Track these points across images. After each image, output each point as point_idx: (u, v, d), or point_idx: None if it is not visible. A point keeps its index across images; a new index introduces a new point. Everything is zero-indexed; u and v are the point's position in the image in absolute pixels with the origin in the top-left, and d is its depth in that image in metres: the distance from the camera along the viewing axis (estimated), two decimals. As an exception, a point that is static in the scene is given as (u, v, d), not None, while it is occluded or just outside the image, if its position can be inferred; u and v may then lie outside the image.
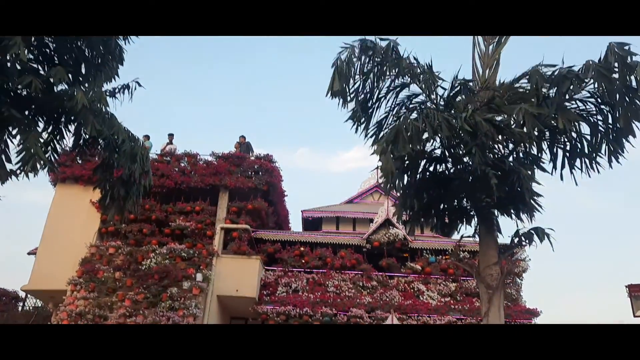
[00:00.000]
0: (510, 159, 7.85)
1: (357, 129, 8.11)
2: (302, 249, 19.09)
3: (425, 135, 6.90)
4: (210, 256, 16.84)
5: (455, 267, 18.57)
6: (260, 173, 19.06)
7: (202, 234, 17.55)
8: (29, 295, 18.34)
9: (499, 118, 7.45)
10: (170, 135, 20.42)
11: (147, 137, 18.68)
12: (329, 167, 74.68)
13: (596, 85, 6.90)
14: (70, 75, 8.95)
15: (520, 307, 17.60)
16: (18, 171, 8.29)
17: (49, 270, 16.20)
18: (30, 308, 18.29)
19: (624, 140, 7.38)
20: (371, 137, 8.22)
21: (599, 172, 7.68)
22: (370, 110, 8.18)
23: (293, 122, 79.48)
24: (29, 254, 18.68)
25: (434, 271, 18.75)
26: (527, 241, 7.61)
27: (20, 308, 18.26)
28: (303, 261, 18.87)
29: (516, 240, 7.80)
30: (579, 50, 22.83)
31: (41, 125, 9.50)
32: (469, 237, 8.23)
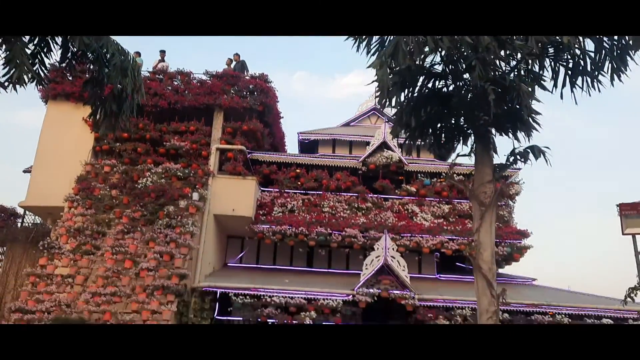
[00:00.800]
0: (512, 76, 7.66)
1: (358, 46, 7.81)
2: (298, 170, 19.16)
3: (426, 49, 6.66)
4: (206, 176, 16.90)
5: (449, 190, 18.78)
6: (255, 93, 18.71)
7: (197, 154, 17.50)
8: (27, 212, 18.56)
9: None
10: (162, 52, 19.82)
11: (137, 53, 18.12)
12: (327, 92, 73.54)
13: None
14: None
15: (511, 229, 17.99)
16: (6, 83, 8.07)
17: (45, 187, 16.29)
18: (29, 224, 18.57)
19: (627, 57, 7.21)
20: (373, 54, 7.94)
21: (599, 90, 7.54)
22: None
23: (291, 44, 77.20)
24: (24, 171, 18.70)
25: (429, 194, 18.96)
26: (522, 159, 7.60)
27: (19, 224, 18.53)
28: (299, 183, 19.01)
29: (512, 158, 7.77)
30: None
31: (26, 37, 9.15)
32: (465, 155, 8.21)
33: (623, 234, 7.78)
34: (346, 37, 7.71)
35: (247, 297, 15.50)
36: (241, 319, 15.64)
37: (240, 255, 19.45)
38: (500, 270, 18.88)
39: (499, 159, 8.19)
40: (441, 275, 18.82)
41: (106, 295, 13.31)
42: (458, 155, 8.27)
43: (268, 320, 15.31)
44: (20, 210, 18.54)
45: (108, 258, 14.36)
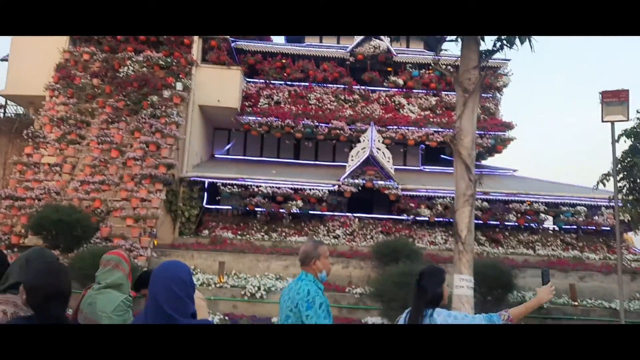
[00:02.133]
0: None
1: None
2: (283, 61, 18.71)
3: None
4: (189, 65, 16.46)
5: (437, 81, 18.57)
6: (238, -24, 17.68)
7: (179, 42, 16.90)
8: (8, 103, 18.21)
9: None
10: None
11: None
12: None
13: None
14: None
15: (496, 121, 18.11)
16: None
17: (24, 75, 15.83)
18: (12, 115, 18.30)
19: None
20: None
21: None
22: None
23: None
24: (1, 60, 18.05)
25: (416, 86, 18.78)
26: (508, 45, 7.44)
27: (2, 115, 18.25)
28: (285, 74, 18.65)
29: (498, 44, 7.61)
30: None
31: None
32: (452, 40, 8.01)
33: (602, 121, 7.87)
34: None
35: (235, 187, 15.83)
36: (230, 207, 16.11)
37: (227, 147, 19.56)
38: (483, 162, 19.30)
39: (486, 45, 8.03)
40: (425, 167, 19.22)
41: (95, 184, 13.50)
42: (445, 40, 8.07)
43: (256, 209, 15.79)
44: (2, 101, 18.17)
45: (94, 147, 14.36)
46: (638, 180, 7.92)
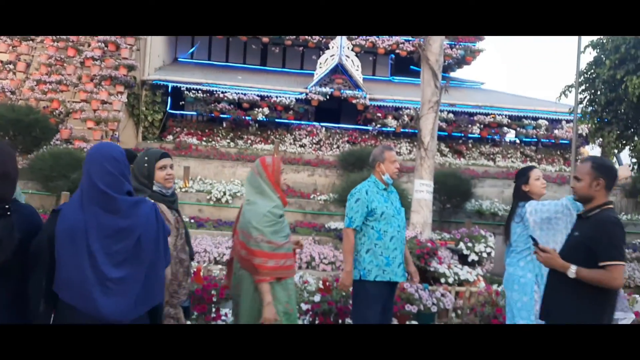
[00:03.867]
0: None
1: None
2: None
3: None
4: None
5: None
6: None
7: None
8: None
9: None
10: None
11: None
12: None
13: None
14: None
15: (467, 32, 17.83)
16: None
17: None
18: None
19: None
20: None
21: None
22: None
23: None
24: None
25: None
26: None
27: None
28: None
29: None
30: None
31: None
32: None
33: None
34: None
35: (200, 92, 15.43)
36: (195, 113, 15.81)
37: (191, 50, 18.82)
38: (452, 74, 19.25)
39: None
40: (395, 78, 19.06)
41: (52, 84, 12.92)
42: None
43: (221, 116, 15.55)
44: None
45: (49, 45, 13.59)
46: (598, 92, 8.07)
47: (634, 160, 7.86)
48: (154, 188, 2.71)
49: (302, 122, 16.03)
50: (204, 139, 15.48)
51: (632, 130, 7.67)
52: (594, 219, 2.58)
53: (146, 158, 2.73)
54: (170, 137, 15.40)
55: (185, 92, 15.40)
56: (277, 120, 15.75)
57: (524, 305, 3.46)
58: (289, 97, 15.69)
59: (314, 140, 15.85)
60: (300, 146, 15.68)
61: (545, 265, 2.65)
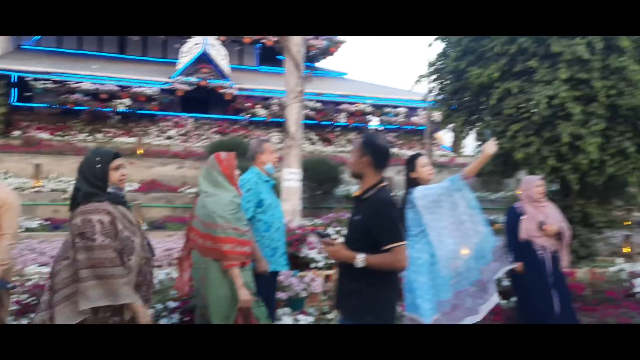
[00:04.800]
0: None
1: None
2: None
3: None
4: None
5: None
6: None
7: None
8: None
9: None
10: None
11: None
12: None
13: None
14: None
15: (330, 23, 18.37)
16: None
17: None
18: None
19: None
20: None
21: None
22: None
23: None
24: None
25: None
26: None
27: None
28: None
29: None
30: None
31: None
32: None
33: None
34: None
35: (50, 82, 14.06)
36: (45, 105, 14.40)
37: (37, 37, 17.05)
38: (318, 65, 19.72)
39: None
40: (263, 67, 19.03)
41: None
42: None
43: (77, 107, 14.34)
44: None
45: None
46: (447, 82, 8.75)
47: (479, 142, 8.67)
48: (109, 190, 2.55)
49: (168, 113, 15.38)
50: (58, 133, 14.16)
51: (477, 116, 8.43)
52: (370, 201, 2.46)
53: (98, 159, 2.54)
54: (17, 133, 13.85)
55: (32, 82, 13.94)
56: (140, 111, 14.93)
57: (421, 285, 3.57)
58: (151, 87, 14.94)
59: (181, 132, 15.30)
60: (167, 138, 15.05)
61: (333, 259, 2.57)
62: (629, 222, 11.97)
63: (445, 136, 18.78)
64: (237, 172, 3.34)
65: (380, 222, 2.39)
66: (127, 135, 14.69)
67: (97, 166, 2.50)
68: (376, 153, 2.48)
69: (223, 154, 3.34)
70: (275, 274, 3.73)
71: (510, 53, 6.73)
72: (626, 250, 8.89)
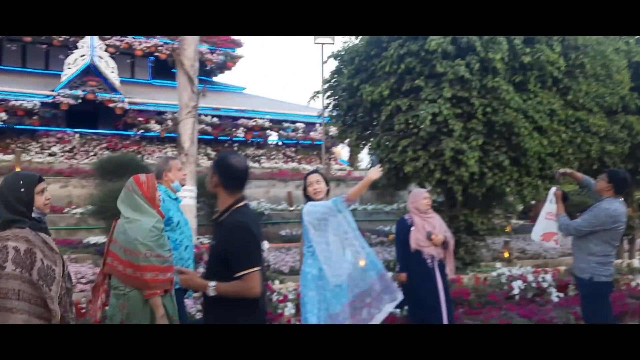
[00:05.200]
0: None
1: None
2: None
3: None
4: None
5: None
6: None
7: None
8: None
9: None
10: None
11: None
12: None
13: None
14: None
15: (226, 37, 18.22)
16: None
17: None
18: None
19: None
20: None
21: None
22: None
23: None
24: None
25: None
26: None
27: None
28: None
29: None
30: None
31: None
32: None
33: (315, 42, 8.62)
34: None
35: None
36: None
37: None
38: (215, 79, 19.45)
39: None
40: (156, 81, 18.38)
41: None
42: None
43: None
44: None
45: None
46: (341, 98, 9.01)
47: (370, 158, 8.99)
48: (33, 215, 2.35)
49: (50, 129, 14.28)
50: None
51: (370, 131, 8.74)
52: (224, 225, 2.35)
53: (22, 182, 2.32)
54: None
55: None
56: (18, 126, 13.73)
57: (309, 300, 3.61)
58: (31, 101, 13.81)
59: (66, 148, 14.27)
60: (50, 155, 13.95)
61: (186, 288, 2.48)
62: (509, 229, 13.04)
63: (343, 150, 19.32)
64: (158, 194, 3.23)
65: (232, 247, 2.27)
66: (3, 152, 13.41)
67: (22, 190, 2.30)
68: (225, 173, 2.37)
69: (142, 177, 3.20)
70: (183, 292, 3.64)
71: (399, 72, 7.08)
72: (506, 255, 9.62)
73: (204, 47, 16.63)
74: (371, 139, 8.51)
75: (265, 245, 8.14)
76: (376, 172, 3.68)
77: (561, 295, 6.10)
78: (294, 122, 17.36)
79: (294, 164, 17.08)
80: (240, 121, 16.45)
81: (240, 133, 16.32)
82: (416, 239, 4.68)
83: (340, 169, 16.97)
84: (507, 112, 6.47)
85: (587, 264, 4.15)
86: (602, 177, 4.27)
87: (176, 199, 3.73)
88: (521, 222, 15.77)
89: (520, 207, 18.29)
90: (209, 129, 15.30)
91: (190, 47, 7.17)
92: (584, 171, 8.68)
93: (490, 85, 6.54)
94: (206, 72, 17.29)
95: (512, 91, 6.58)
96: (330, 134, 14.12)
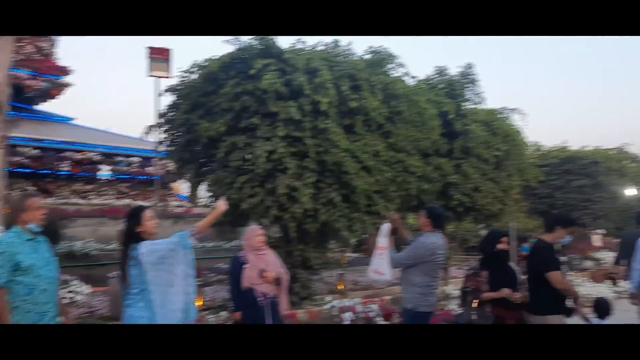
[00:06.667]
0: None
1: None
2: None
3: None
4: None
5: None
6: None
7: None
8: None
9: None
10: None
11: None
12: None
13: None
14: None
15: (51, 63, 16.79)
16: None
17: None
18: None
19: None
20: None
21: None
22: None
23: None
24: None
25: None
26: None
27: None
28: None
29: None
30: None
31: None
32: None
33: (149, 75, 8.35)
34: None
35: None
36: None
37: None
38: (39, 107, 17.71)
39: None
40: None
41: None
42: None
43: None
44: None
45: None
46: (178, 133, 8.78)
47: (210, 194, 8.86)
48: None
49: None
50: None
51: (208, 167, 8.62)
52: None
53: None
54: None
55: None
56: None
57: None
58: None
59: None
60: None
61: None
62: (345, 262, 13.73)
63: (182, 186, 18.71)
64: None
65: None
66: None
67: None
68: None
69: None
70: None
71: (236, 110, 7.16)
72: (340, 287, 10.07)
73: (24, 73, 15.08)
74: (210, 175, 8.40)
75: (85, 289, 7.48)
76: (223, 204, 3.68)
77: (387, 323, 6.55)
78: (128, 155, 16.43)
79: (127, 201, 16.06)
80: (66, 153, 15.08)
81: (65, 167, 14.93)
82: (249, 277, 4.68)
83: (179, 205, 16.40)
84: (336, 152, 6.88)
85: (411, 295, 4.53)
86: (422, 213, 4.73)
87: (31, 239, 3.53)
88: (355, 255, 16.71)
89: (354, 241, 19.47)
90: (27, 161, 13.73)
91: (2, 70, 6.43)
92: (405, 207, 9.60)
93: (321, 126, 6.92)
94: (27, 99, 15.67)
95: (340, 133, 7.04)
96: (168, 169, 13.64)
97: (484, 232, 19.30)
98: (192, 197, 18.67)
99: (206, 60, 7.81)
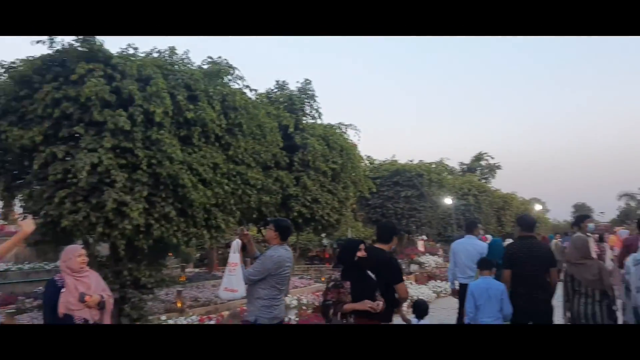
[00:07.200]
0: None
1: None
2: None
3: None
4: None
5: None
6: None
7: None
8: None
9: None
10: None
11: None
12: None
13: None
14: None
15: None
16: None
17: None
18: None
19: None
20: None
21: None
22: None
23: None
24: None
25: None
26: None
27: None
28: None
29: None
30: None
31: None
32: None
33: None
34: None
35: None
36: None
37: None
38: None
39: None
40: None
41: None
42: None
43: None
44: None
45: None
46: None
47: (25, 210, 7.88)
48: None
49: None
50: None
51: (22, 180, 7.67)
52: None
53: None
54: None
55: None
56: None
57: None
58: None
59: None
60: None
61: None
62: (184, 278, 13.19)
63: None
64: None
65: None
66: None
67: None
68: None
69: None
70: None
71: (55, 117, 6.46)
72: (179, 305, 9.63)
73: None
74: (24, 190, 7.46)
75: None
76: (30, 225, 3.28)
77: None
78: None
79: None
80: None
81: None
82: (66, 302, 4.23)
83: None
84: (171, 164, 6.57)
85: (254, 307, 4.52)
86: (270, 226, 4.76)
87: None
88: (197, 270, 16.20)
89: (197, 256, 18.90)
90: None
91: None
92: (246, 219, 9.54)
93: (154, 137, 6.56)
94: None
95: (176, 144, 6.74)
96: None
97: (325, 242, 20.09)
98: (6, 215, 16.54)
99: (21, 61, 6.96)
